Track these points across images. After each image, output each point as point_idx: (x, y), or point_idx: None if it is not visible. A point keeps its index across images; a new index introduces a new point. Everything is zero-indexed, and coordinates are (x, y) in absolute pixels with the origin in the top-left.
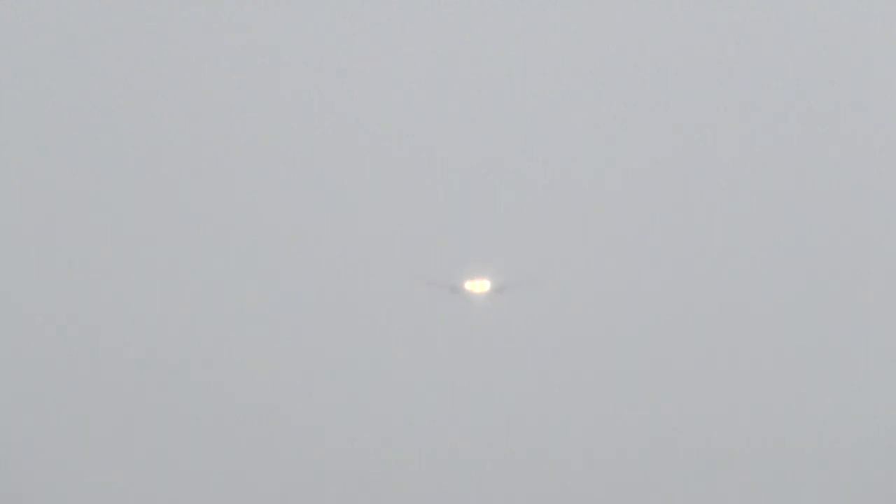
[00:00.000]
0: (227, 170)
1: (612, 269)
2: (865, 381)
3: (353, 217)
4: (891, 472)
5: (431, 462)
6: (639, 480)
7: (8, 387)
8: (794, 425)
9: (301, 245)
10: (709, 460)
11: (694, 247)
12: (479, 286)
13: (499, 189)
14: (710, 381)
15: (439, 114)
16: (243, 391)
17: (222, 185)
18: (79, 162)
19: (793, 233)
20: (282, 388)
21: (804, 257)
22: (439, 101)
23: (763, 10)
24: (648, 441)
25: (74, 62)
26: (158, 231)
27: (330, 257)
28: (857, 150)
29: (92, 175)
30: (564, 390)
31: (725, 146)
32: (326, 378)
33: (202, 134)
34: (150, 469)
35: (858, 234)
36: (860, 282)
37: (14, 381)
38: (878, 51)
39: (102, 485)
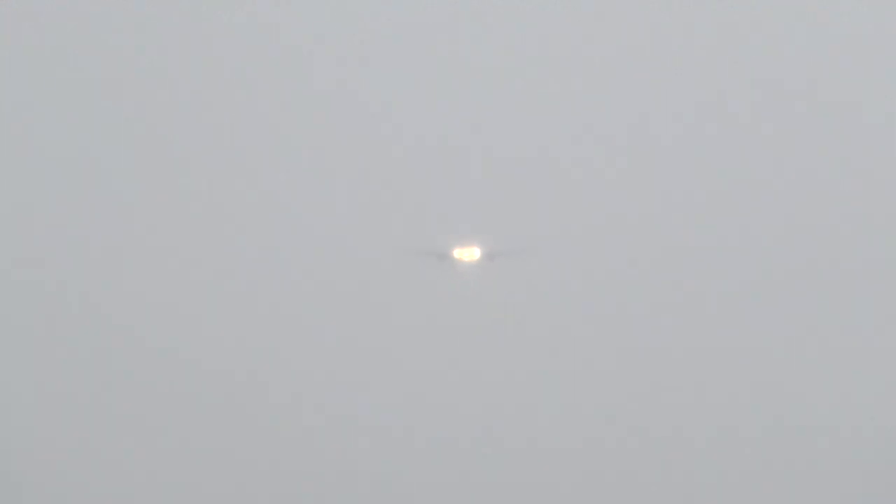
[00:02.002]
0: (223, 152)
1: (600, 238)
2: (859, 376)
3: (342, 187)
4: (890, 462)
5: (419, 429)
6: (627, 451)
7: (18, 379)
8: (792, 408)
9: (288, 214)
10: (698, 433)
11: (683, 220)
12: (467, 254)
13: (487, 159)
14: (697, 352)
15: (429, 87)
16: (233, 364)
17: (217, 166)
18: (89, 153)
19: (786, 220)
20: (271, 358)
21: (800, 246)
22: (428, 77)
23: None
24: (636, 410)
25: (82, 57)
26: (158, 219)
27: (321, 227)
28: (852, 144)
29: (103, 165)
30: (552, 358)
31: (713, 125)
32: (313, 344)
33: (203, 124)
34: (151, 452)
35: (846, 223)
36: (841, 272)
37: (24, 373)
38: (865, 51)
39: (110, 474)
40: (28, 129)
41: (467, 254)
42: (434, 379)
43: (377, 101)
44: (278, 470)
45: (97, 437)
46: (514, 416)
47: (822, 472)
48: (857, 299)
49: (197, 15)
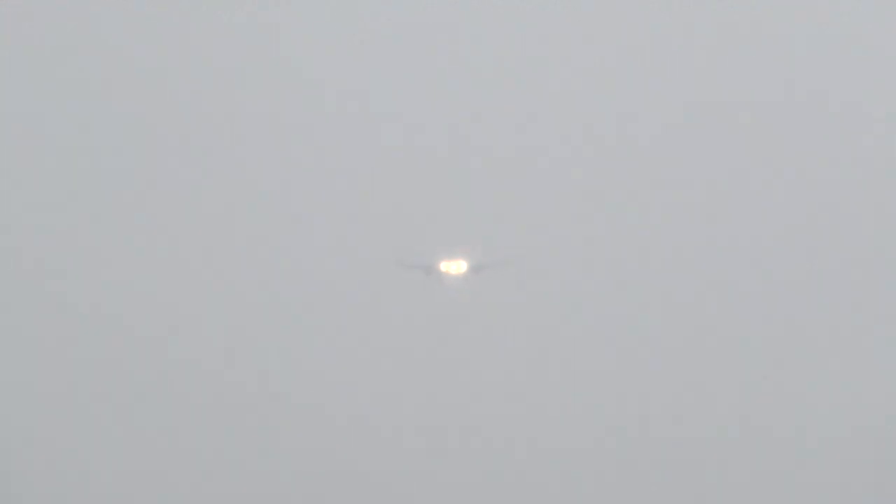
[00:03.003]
0: (216, 160)
1: (587, 250)
2: (850, 376)
3: (330, 200)
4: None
5: (404, 438)
6: (619, 455)
7: (19, 380)
8: (783, 412)
9: (279, 228)
10: (691, 440)
11: (672, 230)
12: (454, 267)
13: (475, 172)
14: (689, 361)
15: (418, 103)
16: (226, 368)
17: (211, 174)
18: (89, 156)
19: (785, 227)
20: (257, 365)
21: (798, 253)
22: (417, 89)
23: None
24: (625, 416)
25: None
26: (156, 221)
27: (308, 241)
28: (854, 145)
29: (106, 167)
30: (539, 369)
31: (711, 133)
32: (303, 355)
33: (202, 128)
34: (150, 453)
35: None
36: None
37: (25, 375)
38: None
39: (111, 472)
40: (27, 130)
41: (454, 266)
42: (422, 388)
43: (366, 117)
44: (271, 470)
45: (98, 439)
46: (499, 423)
47: (822, 475)
48: (859, 307)
49: (197, 19)
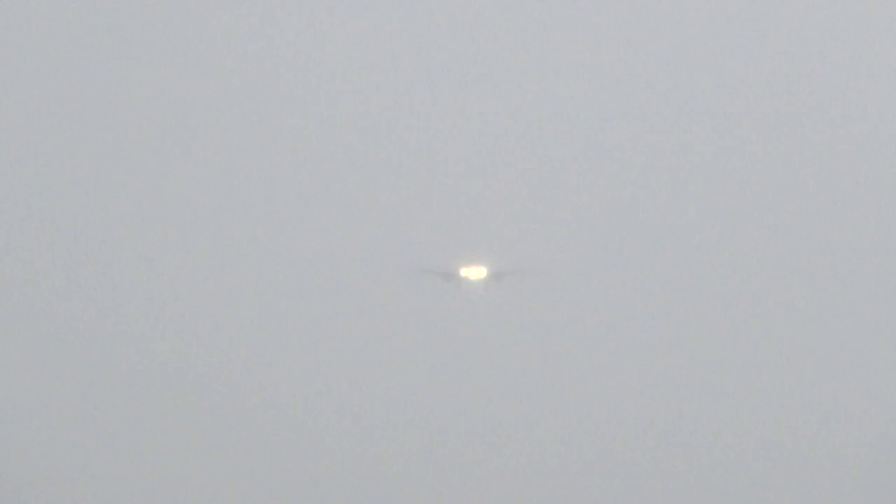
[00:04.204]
0: (230, 164)
1: (607, 258)
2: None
3: (349, 206)
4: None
5: (421, 444)
6: (630, 464)
7: (18, 387)
8: (789, 419)
9: (297, 232)
10: (703, 449)
11: (689, 237)
12: (474, 273)
13: (495, 178)
14: (705, 369)
15: (438, 108)
16: (243, 378)
17: (225, 178)
18: (94, 163)
19: (790, 234)
20: (277, 372)
21: (803, 259)
22: (435, 95)
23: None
24: (642, 428)
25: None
26: (157, 230)
27: (326, 245)
28: (855, 151)
29: (102, 168)
30: (556, 376)
31: (721, 143)
32: (321, 362)
33: (205, 131)
34: (150, 459)
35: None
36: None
37: (25, 381)
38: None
39: (108, 479)
40: (31, 131)
41: (474, 272)
42: (440, 396)
43: (382, 119)
44: (286, 480)
45: (102, 440)
46: (519, 431)
47: (823, 477)
48: (860, 312)
49: (197, 19)
